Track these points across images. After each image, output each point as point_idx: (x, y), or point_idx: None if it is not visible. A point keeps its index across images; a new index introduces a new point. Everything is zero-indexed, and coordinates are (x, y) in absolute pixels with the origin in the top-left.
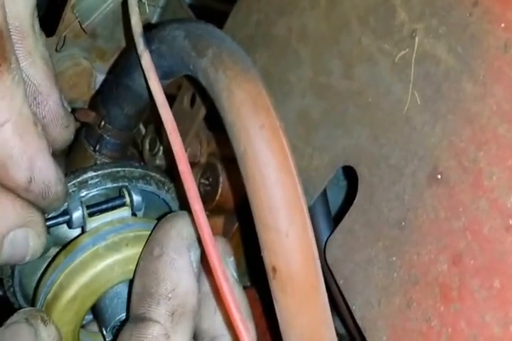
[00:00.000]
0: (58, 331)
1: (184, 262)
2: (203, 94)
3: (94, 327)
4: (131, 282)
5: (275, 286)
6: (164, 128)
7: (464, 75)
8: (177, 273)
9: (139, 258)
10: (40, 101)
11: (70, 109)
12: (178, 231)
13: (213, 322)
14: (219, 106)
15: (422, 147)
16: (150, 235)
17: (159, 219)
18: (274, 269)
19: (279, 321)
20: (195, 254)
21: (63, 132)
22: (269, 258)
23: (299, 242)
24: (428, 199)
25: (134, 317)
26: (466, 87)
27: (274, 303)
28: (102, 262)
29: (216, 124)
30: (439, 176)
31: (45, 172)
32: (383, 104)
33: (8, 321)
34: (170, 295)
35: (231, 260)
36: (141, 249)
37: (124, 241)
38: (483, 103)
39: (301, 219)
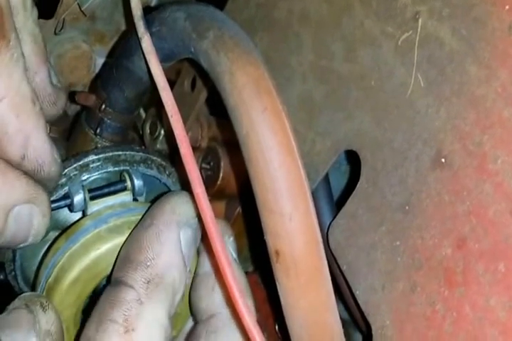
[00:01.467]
0: (58, 317)
1: (171, 236)
2: (203, 77)
3: None
4: None
5: (278, 270)
6: (165, 112)
7: (469, 58)
8: (161, 244)
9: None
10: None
11: (59, 86)
12: (172, 207)
13: (211, 301)
14: (220, 89)
15: (426, 130)
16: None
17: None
18: (277, 253)
19: (283, 305)
20: (186, 233)
21: (50, 108)
22: (272, 241)
23: (303, 226)
24: (432, 183)
25: (112, 282)
26: (470, 69)
27: (278, 287)
28: (104, 245)
29: (217, 108)
30: (443, 160)
31: (40, 151)
32: (386, 87)
33: (10, 307)
34: (148, 264)
35: (230, 240)
36: None
37: (126, 224)
38: (487, 86)
39: (305, 202)
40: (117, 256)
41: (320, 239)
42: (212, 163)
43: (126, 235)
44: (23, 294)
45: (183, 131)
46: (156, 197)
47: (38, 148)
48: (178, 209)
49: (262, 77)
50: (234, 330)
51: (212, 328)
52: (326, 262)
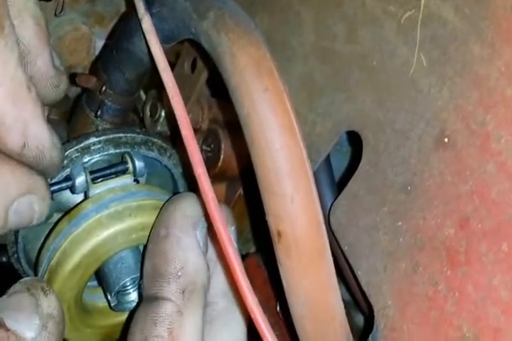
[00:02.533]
0: (59, 300)
1: (190, 240)
2: (204, 58)
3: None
4: (135, 248)
5: (280, 251)
6: (166, 93)
7: (472, 37)
8: (184, 252)
9: (147, 240)
10: (29, 60)
11: (62, 69)
12: (183, 212)
13: (212, 289)
14: (222, 70)
15: (429, 110)
16: (156, 218)
17: (162, 187)
18: (279, 234)
19: (284, 286)
20: (201, 232)
21: (52, 92)
22: (274, 222)
23: (304, 207)
24: (435, 163)
25: (146, 298)
26: (473, 48)
27: (279, 268)
28: (105, 231)
29: (217, 90)
30: (446, 140)
31: (40, 138)
32: (388, 67)
33: (10, 290)
34: (179, 273)
35: (232, 229)
36: (144, 219)
37: (127, 210)
38: (491, 65)
39: (307, 183)
40: (141, 271)
41: (322, 220)
42: (212, 145)
43: (127, 222)
44: (24, 278)
45: (184, 112)
46: (160, 185)
47: (38, 134)
48: (188, 212)
49: (263, 57)
50: (230, 320)
51: (208, 318)
52: (327, 243)
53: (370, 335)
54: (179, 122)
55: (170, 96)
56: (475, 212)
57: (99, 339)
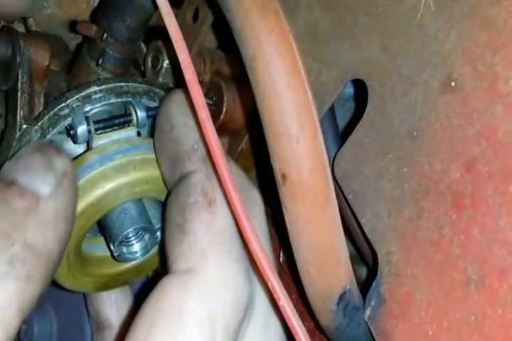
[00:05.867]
0: (71, 160)
1: (194, 122)
2: (207, 7)
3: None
4: (138, 200)
5: (285, 194)
6: (169, 42)
7: None
8: (192, 129)
9: (153, 137)
10: None
11: None
12: (178, 103)
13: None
14: (226, 12)
15: (436, 54)
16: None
17: None
18: (283, 177)
19: (289, 231)
20: None
21: None
22: (279, 165)
23: (309, 148)
24: (441, 107)
25: (178, 178)
26: None
27: (284, 212)
28: (109, 183)
29: (220, 42)
30: (453, 83)
31: None
32: (395, 12)
33: (18, 154)
34: (196, 147)
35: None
36: (148, 173)
37: (131, 163)
38: (499, 6)
39: (312, 125)
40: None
41: (327, 162)
42: (215, 98)
43: (131, 175)
44: (30, 142)
45: (187, 57)
46: None
47: None
48: (183, 100)
49: None
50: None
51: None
52: (332, 186)
53: (374, 282)
54: (183, 67)
55: (173, 41)
56: (482, 154)
57: (96, 288)
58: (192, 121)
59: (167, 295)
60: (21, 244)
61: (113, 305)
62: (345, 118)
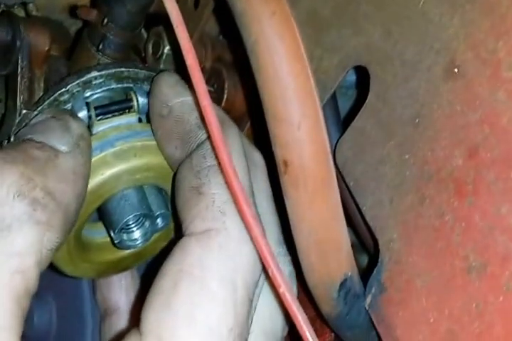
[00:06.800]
0: (85, 124)
1: (191, 97)
2: None
3: None
4: (138, 187)
5: (286, 181)
6: (170, 27)
7: None
8: (192, 107)
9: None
10: None
11: None
12: (168, 85)
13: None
14: None
15: (439, 40)
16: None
17: None
18: (285, 163)
19: (290, 218)
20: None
21: None
22: (280, 152)
23: (311, 134)
24: (444, 93)
25: (191, 152)
26: None
27: (285, 200)
28: (109, 170)
29: (221, 28)
30: (455, 70)
31: None
32: None
33: (33, 121)
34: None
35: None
36: (149, 160)
37: (132, 150)
38: None
39: (314, 110)
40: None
41: (329, 149)
42: (216, 85)
43: (132, 162)
44: (44, 110)
45: (188, 42)
46: None
47: None
48: (176, 78)
49: None
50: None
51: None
52: (334, 172)
53: (375, 269)
54: (184, 52)
55: (174, 26)
56: (484, 140)
57: (96, 274)
58: (189, 98)
59: (188, 255)
60: (42, 189)
61: (122, 290)
62: (346, 107)
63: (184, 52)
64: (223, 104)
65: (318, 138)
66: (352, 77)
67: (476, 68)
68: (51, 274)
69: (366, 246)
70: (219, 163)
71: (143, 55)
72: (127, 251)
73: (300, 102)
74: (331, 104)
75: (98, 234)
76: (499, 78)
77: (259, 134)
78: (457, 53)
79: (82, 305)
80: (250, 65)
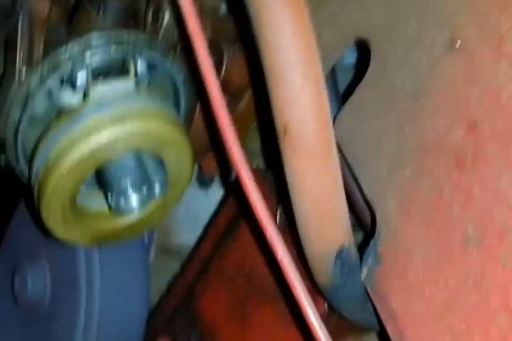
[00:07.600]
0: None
1: None
2: None
3: None
4: (136, 153)
5: (286, 145)
6: None
7: None
8: None
9: None
10: None
11: None
12: None
13: None
14: None
15: (441, 15)
16: None
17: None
18: (285, 127)
19: (289, 186)
20: None
21: None
22: (280, 115)
23: (313, 97)
24: (445, 68)
25: None
26: None
27: (284, 168)
28: (105, 133)
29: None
30: (457, 44)
31: None
32: None
33: None
34: None
35: None
36: (144, 124)
37: (128, 113)
38: None
39: (316, 73)
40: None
41: (329, 114)
42: (214, 57)
43: (128, 125)
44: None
45: (190, 4)
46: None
47: None
48: None
49: None
50: None
51: None
52: (334, 138)
53: (371, 241)
54: (186, 14)
55: None
56: (485, 114)
57: (89, 241)
58: None
59: None
60: None
61: None
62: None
63: (186, 15)
64: (221, 75)
65: (320, 100)
66: (352, 59)
67: (478, 43)
68: (46, 240)
69: (363, 223)
70: None
71: (143, 24)
72: (122, 221)
73: (303, 64)
74: (330, 80)
75: (95, 202)
76: (501, 53)
77: (260, 105)
78: (459, 28)
79: (76, 270)
80: (251, 33)
